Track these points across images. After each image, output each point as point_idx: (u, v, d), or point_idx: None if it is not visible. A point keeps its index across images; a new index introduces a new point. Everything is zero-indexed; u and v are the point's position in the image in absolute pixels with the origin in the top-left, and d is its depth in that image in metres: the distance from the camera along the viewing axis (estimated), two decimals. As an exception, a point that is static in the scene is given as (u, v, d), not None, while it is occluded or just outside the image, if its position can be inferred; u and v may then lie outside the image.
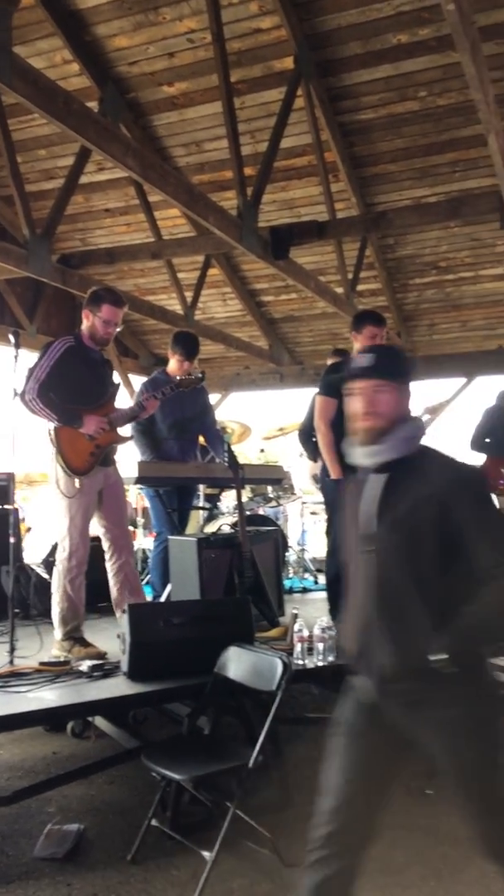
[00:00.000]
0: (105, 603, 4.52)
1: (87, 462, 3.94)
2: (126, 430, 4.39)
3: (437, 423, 9.04)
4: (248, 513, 6.23)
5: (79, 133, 4.01)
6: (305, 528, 8.06)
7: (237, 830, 2.93)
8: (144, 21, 5.55)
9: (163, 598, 4.80)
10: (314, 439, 5.52)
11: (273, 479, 6.34)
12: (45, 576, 5.09)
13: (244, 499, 5.51)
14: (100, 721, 4.08)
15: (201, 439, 5.59)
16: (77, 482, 3.91)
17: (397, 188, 7.03)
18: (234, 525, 5.46)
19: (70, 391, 3.92)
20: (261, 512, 7.22)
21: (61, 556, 3.98)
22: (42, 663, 3.70)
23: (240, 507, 4.64)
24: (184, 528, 5.32)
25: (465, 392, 9.16)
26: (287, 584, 6.39)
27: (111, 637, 4.00)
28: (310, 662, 3.71)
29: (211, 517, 6.62)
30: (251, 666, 3.15)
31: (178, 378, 4.65)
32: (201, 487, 6.12)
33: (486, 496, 2.10)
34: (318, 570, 7.14)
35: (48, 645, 4.00)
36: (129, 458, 4.76)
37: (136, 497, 7.28)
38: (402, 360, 2.24)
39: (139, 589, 4.34)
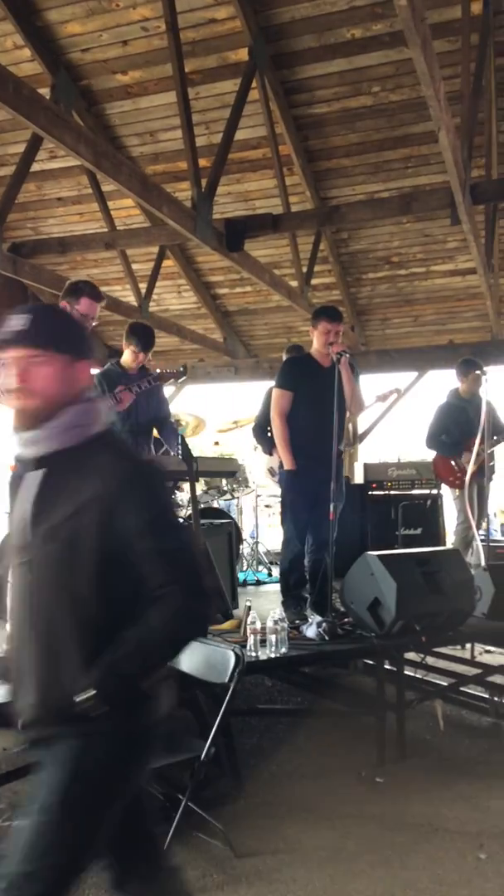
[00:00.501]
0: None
1: None
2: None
3: (389, 413, 9.18)
4: (202, 506, 6.23)
5: (29, 119, 3.95)
6: (259, 520, 8.10)
7: (189, 822, 2.94)
8: (97, 8, 5.48)
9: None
10: (269, 434, 5.53)
11: (227, 471, 6.34)
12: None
13: (198, 492, 5.50)
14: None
15: (155, 432, 5.56)
16: None
17: (351, 183, 7.08)
18: (187, 518, 5.44)
19: None
20: (215, 505, 7.22)
21: None
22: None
23: (193, 500, 4.63)
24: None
25: (417, 386, 9.28)
26: (241, 576, 6.40)
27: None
28: (263, 654, 3.70)
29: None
30: (204, 658, 3.14)
31: (157, 371, 4.59)
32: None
33: (160, 499, 1.75)
34: (272, 563, 7.18)
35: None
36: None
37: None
38: (69, 325, 1.85)
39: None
